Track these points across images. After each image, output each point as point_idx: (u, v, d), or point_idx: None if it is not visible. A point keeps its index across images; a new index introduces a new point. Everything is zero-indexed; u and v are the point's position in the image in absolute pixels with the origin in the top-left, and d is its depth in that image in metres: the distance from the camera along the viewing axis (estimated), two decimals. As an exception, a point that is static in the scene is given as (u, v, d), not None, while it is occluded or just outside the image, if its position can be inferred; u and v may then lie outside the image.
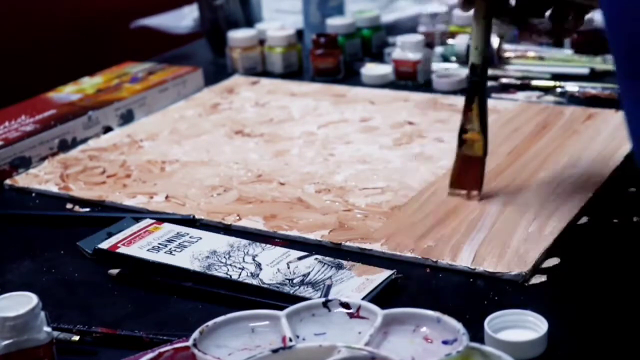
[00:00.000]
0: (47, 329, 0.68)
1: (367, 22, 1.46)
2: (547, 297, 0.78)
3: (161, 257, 0.85)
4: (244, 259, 0.84)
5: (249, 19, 1.51)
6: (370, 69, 1.37)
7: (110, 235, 0.90)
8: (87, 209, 1.01)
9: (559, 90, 1.25)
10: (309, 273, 0.81)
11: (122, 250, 0.87)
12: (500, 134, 1.11)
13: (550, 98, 1.23)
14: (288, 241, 0.89)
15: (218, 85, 1.38)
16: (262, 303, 0.75)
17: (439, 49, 1.41)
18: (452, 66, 1.36)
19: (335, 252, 0.86)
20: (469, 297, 0.79)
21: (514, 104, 1.22)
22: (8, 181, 1.08)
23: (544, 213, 0.90)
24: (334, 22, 1.42)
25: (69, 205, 1.02)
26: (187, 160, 1.11)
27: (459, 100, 1.23)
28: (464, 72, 1.32)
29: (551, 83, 1.26)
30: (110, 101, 1.24)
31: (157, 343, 0.72)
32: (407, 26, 1.53)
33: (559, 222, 0.88)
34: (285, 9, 1.67)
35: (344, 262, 0.82)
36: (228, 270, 0.82)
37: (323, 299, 0.67)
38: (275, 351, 0.62)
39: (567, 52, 1.36)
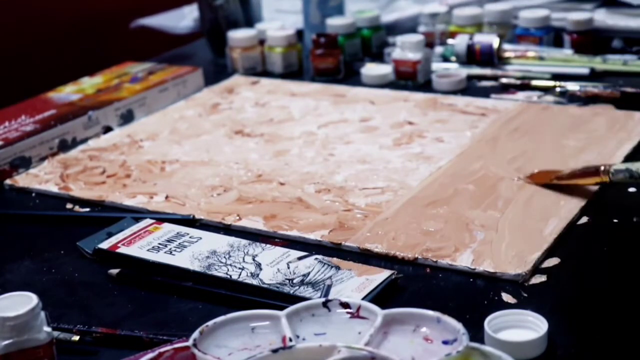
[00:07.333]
0: (47, 329, 0.68)
1: (367, 22, 1.46)
2: (547, 297, 0.78)
3: (161, 257, 0.85)
4: (244, 259, 0.84)
5: (249, 19, 1.51)
6: (370, 69, 1.36)
7: (110, 235, 0.90)
8: (87, 209, 1.01)
9: (559, 90, 1.25)
10: (309, 273, 0.81)
11: (122, 250, 0.87)
12: (500, 133, 1.11)
13: (550, 98, 1.23)
14: (288, 241, 0.89)
15: (218, 85, 1.38)
16: (262, 303, 0.75)
17: (439, 49, 1.41)
18: (452, 66, 1.36)
19: (336, 252, 0.86)
20: (469, 297, 0.79)
21: (514, 104, 1.21)
22: (8, 181, 1.08)
23: (544, 213, 0.90)
24: (334, 22, 1.42)
25: (69, 205, 1.02)
26: (187, 160, 1.11)
27: (459, 100, 1.24)
28: (464, 72, 1.32)
29: (551, 83, 1.26)
30: (110, 101, 1.24)
31: (157, 343, 0.72)
32: (407, 26, 1.53)
33: (559, 222, 0.88)
34: (285, 9, 1.66)
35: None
36: (228, 270, 0.82)
37: (323, 299, 0.67)
38: (275, 351, 0.62)
39: (567, 52, 1.36)
